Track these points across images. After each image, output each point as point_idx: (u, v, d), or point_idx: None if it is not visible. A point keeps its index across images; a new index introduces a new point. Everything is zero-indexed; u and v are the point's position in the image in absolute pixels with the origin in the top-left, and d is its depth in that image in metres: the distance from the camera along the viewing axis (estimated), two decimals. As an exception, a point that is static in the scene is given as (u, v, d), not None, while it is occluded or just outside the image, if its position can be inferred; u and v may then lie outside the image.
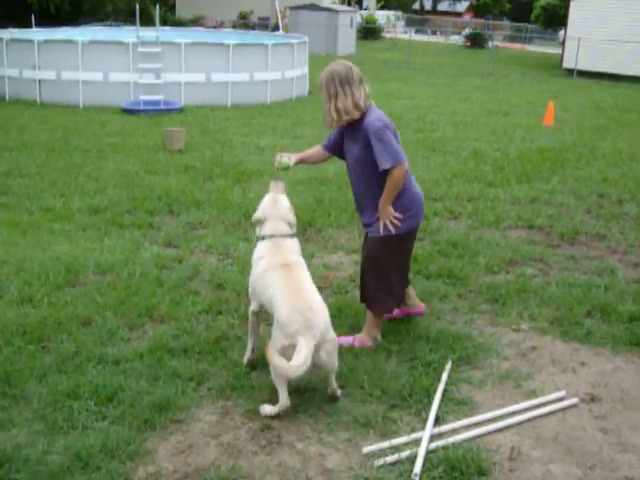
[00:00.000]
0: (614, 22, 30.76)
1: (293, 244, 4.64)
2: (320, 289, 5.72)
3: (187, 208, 7.80)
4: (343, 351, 4.70)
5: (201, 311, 5.29)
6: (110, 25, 31.88)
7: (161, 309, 5.25)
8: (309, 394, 4.25)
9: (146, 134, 12.15)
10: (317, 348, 3.95)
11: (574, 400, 4.35)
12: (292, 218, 4.72)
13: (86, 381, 4.22)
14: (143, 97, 15.00)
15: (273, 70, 17.01)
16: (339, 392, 4.25)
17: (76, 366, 4.42)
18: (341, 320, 5.20)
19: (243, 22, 48.43)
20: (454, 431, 3.96)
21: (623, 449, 3.92)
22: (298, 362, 3.80)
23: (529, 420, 4.13)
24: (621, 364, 4.88)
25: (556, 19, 44.30)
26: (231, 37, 20.14)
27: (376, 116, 4.90)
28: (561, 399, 4.36)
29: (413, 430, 3.94)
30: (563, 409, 4.27)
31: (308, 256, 6.48)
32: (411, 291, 5.31)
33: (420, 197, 4.98)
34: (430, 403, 4.17)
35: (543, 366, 4.80)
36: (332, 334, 4.14)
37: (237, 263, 6.23)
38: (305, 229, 7.27)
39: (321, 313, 4.13)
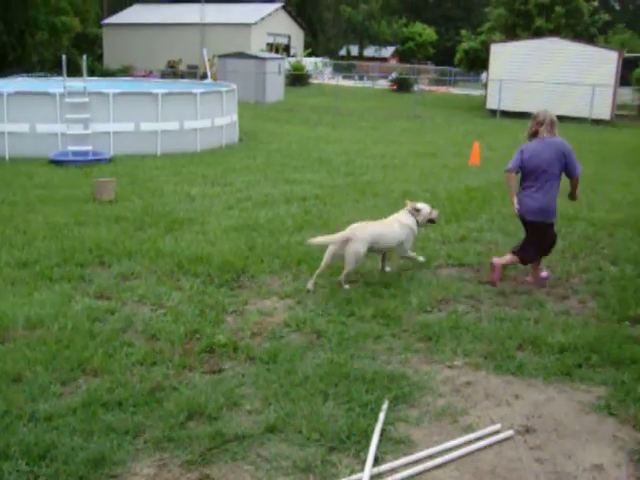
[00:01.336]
0: (530, 65, 32.05)
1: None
2: (254, 335, 5.78)
3: (118, 259, 7.70)
4: (279, 396, 4.71)
5: (135, 362, 5.20)
6: (37, 76, 31.59)
7: (94, 362, 5.15)
8: (247, 441, 4.22)
9: (75, 185, 11.99)
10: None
11: (510, 432, 4.43)
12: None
13: (17, 440, 4.09)
14: (71, 148, 14.82)
15: (202, 118, 17.05)
16: (345, 286, 6.51)
17: (6, 425, 4.28)
18: (276, 366, 5.19)
19: (172, 71, 48.58)
20: (393, 470, 3.98)
21: (558, 477, 4.01)
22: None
23: (467, 455, 4.18)
24: (553, 394, 4.99)
25: (478, 62, 45.67)
26: (160, 86, 20.16)
27: None
28: (497, 432, 4.42)
29: (352, 472, 3.95)
30: (499, 442, 4.33)
31: (241, 303, 6.50)
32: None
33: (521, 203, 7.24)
34: (368, 444, 4.18)
35: (478, 401, 4.87)
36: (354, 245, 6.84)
37: (170, 313, 6.16)
38: (238, 276, 7.26)
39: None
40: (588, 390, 5.06)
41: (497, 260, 7.36)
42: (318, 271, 6.99)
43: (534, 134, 7.15)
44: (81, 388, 4.83)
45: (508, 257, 7.40)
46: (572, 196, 7.48)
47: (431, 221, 7.81)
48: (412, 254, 7.59)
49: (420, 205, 7.67)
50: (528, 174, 7.14)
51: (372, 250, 7.19)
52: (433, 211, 7.76)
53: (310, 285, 6.91)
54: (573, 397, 4.96)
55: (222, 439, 4.22)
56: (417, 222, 7.50)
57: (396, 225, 7.36)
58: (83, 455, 3.98)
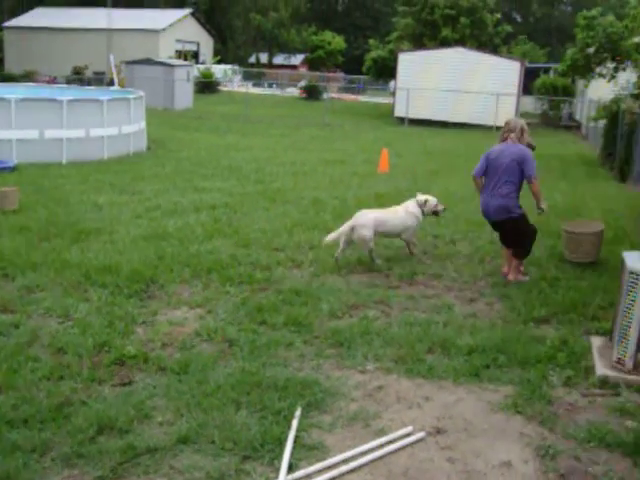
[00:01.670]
0: (437, 73, 32.82)
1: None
2: (164, 346, 5.70)
3: (22, 271, 7.46)
4: (191, 407, 4.65)
5: (41, 377, 5.04)
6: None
7: (-3, 378, 4.98)
8: (159, 454, 4.15)
9: (-25, 196, 11.57)
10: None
11: (421, 434, 4.50)
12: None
13: None
14: (-29, 157, 14.31)
15: (109, 126, 16.72)
16: (377, 261, 7.96)
17: None
18: (188, 376, 5.13)
19: (78, 77, 47.46)
20: (308, 477, 3.99)
21: (469, 476, 4.09)
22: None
23: (380, 458, 4.22)
24: (463, 395, 5.10)
25: (386, 71, 46.35)
26: (65, 92, 19.68)
27: None
28: (409, 434, 4.49)
29: (267, 480, 3.94)
30: (411, 444, 4.40)
31: (151, 313, 6.40)
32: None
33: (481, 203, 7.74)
34: (282, 451, 4.18)
35: (390, 404, 4.93)
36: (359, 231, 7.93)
37: (78, 325, 6.00)
38: (148, 286, 7.14)
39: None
40: (496, 390, 5.20)
41: (511, 276, 7.81)
42: (339, 251, 8.13)
43: (504, 139, 7.71)
44: (-17, 406, 4.65)
45: (514, 264, 7.77)
46: (538, 205, 7.83)
47: (435, 213, 8.77)
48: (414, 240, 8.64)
49: (429, 197, 8.67)
50: (491, 175, 7.63)
51: (383, 234, 8.41)
52: (439, 204, 8.71)
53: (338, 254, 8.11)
54: (482, 397, 5.08)
55: (133, 452, 4.14)
56: (422, 212, 8.52)
57: (402, 212, 8.44)
58: (-13, 475, 3.84)
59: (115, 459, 4.07)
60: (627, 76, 23.12)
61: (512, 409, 4.90)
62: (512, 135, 7.58)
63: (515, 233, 7.76)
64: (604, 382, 5.34)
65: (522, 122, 7.73)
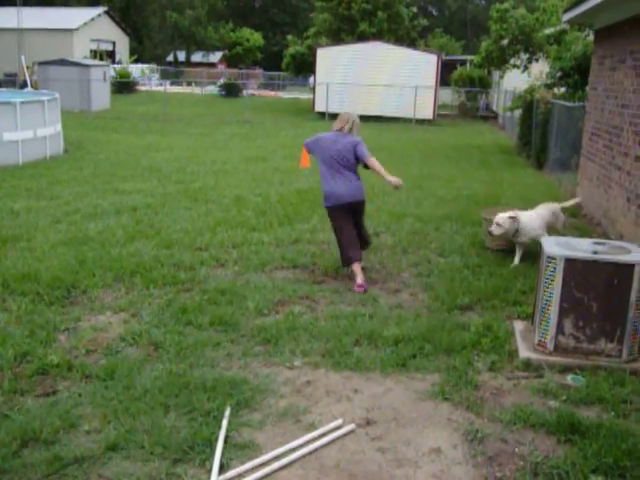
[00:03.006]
0: (355, 68, 33.07)
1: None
2: (89, 352, 5.59)
3: (-64, 282, 7.20)
4: (119, 413, 4.58)
5: (-40, 391, 4.89)
6: None
7: None
8: (87, 463, 4.07)
9: None
10: None
11: (351, 426, 4.53)
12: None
13: None
14: None
15: (23, 129, 16.27)
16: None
17: None
18: (114, 382, 5.05)
19: (-12, 80, 46.02)
20: (240, 476, 3.97)
21: (400, 464, 4.14)
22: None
23: (311, 452, 4.24)
24: (391, 385, 5.16)
25: (305, 66, 46.44)
26: (-26, 97, 19.06)
27: None
28: (339, 427, 4.51)
29: (198, 482, 3.91)
30: (342, 437, 4.43)
31: (74, 320, 6.26)
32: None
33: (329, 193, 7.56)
34: (213, 452, 4.15)
35: (319, 398, 4.95)
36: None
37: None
38: (69, 292, 6.98)
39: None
40: (423, 378, 5.28)
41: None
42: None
43: (339, 130, 7.71)
44: None
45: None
46: (387, 180, 7.57)
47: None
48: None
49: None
50: (329, 162, 7.60)
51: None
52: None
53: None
54: (409, 386, 5.15)
55: (60, 463, 4.04)
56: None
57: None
58: None
59: (41, 472, 3.96)
60: (540, 67, 23.78)
61: (440, 396, 4.98)
62: (346, 127, 7.68)
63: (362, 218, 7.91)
64: (527, 365, 5.49)
65: (355, 117, 7.82)
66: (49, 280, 7.15)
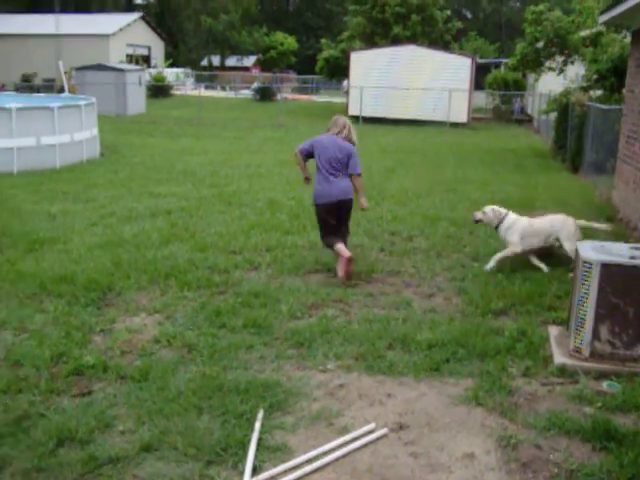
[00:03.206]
0: (389, 71, 33.00)
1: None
2: (123, 354, 5.65)
3: (-25, 283, 7.33)
4: (153, 414, 4.62)
5: (-2, 391, 4.97)
6: None
7: (-48, 394, 4.88)
8: (122, 463, 4.11)
9: None
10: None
11: (384, 431, 4.52)
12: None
13: None
14: None
15: (61, 133, 16.49)
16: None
17: None
18: (148, 383, 5.10)
19: (27, 85, 46.72)
20: (272, 478, 3.99)
21: (433, 469, 4.13)
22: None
23: (343, 456, 4.23)
24: (424, 390, 5.14)
25: (339, 70, 46.46)
26: (14, 100, 19.35)
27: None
28: (371, 431, 4.51)
29: (231, 484, 3.93)
30: (374, 441, 4.42)
31: (109, 322, 6.33)
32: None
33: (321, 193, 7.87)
34: (246, 454, 4.16)
35: (352, 402, 4.94)
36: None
37: (34, 337, 5.91)
38: (105, 294, 7.06)
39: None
40: (456, 383, 5.25)
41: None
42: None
43: (337, 133, 8.05)
44: (-61, 423, 4.56)
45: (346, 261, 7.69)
46: (360, 198, 8.04)
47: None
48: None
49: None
50: (324, 163, 7.89)
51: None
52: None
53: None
54: (442, 391, 5.12)
55: (95, 463, 4.09)
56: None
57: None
58: (-57, 494, 3.76)
59: (77, 471, 4.01)
60: (576, 69, 23.54)
61: (473, 401, 4.95)
62: (344, 132, 8.00)
63: (349, 215, 8.08)
64: (562, 371, 5.43)
65: (349, 122, 8.18)
66: (85, 282, 7.24)
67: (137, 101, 35.67)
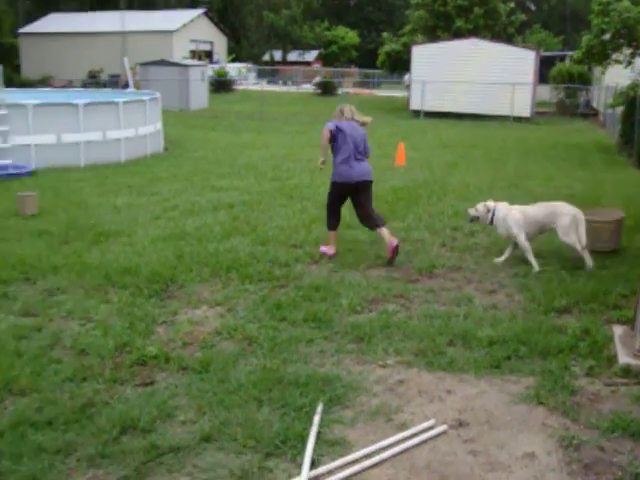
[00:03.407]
0: (451, 65, 32.64)
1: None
2: (185, 345, 5.73)
3: (44, 274, 7.52)
4: (213, 405, 4.68)
5: (64, 379, 5.08)
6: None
7: (21, 381, 5.01)
8: (183, 452, 4.18)
9: (-5, 201, 11.68)
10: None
11: (443, 427, 4.49)
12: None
13: (-59, 467, 3.97)
14: (-10, 163, 14.43)
15: (126, 128, 16.80)
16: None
17: None
18: (209, 375, 5.16)
19: (94, 80, 47.72)
20: (330, 472, 4.00)
21: (492, 468, 4.09)
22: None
23: (402, 452, 4.22)
24: (485, 387, 5.09)
25: (400, 64, 46.15)
26: (81, 96, 19.79)
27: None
28: (431, 428, 4.49)
29: (290, 476, 3.95)
30: (433, 437, 4.40)
31: (171, 313, 6.43)
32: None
33: (345, 173, 8.25)
34: (304, 447, 4.18)
35: (411, 398, 4.93)
36: None
37: (99, 327, 6.05)
38: (167, 286, 7.18)
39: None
40: (517, 381, 5.18)
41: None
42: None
43: (349, 119, 8.49)
44: (8, 409, 4.69)
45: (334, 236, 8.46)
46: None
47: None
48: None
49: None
50: (347, 145, 8.22)
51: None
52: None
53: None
54: (503, 389, 5.07)
55: (157, 452, 4.17)
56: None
57: None
58: (13, 479, 3.87)
59: (139, 459, 4.09)
60: (645, 61, 22.89)
61: (534, 400, 4.88)
62: (355, 117, 8.50)
63: (369, 197, 8.44)
64: (627, 371, 5.31)
65: (354, 107, 8.74)
66: (148, 274, 7.37)
67: (200, 96, 36.08)
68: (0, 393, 4.89)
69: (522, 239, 7.98)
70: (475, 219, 8.41)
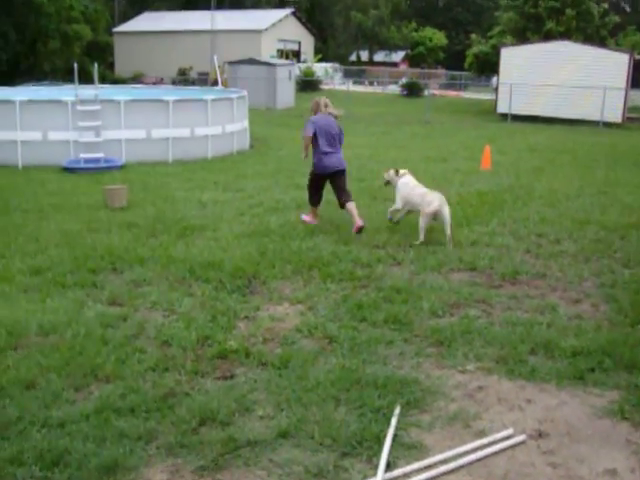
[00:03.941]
0: (541, 68, 31.98)
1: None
2: (266, 341, 5.79)
3: (131, 265, 7.74)
4: (291, 402, 4.72)
5: (147, 369, 5.22)
6: (49, 84, 31.78)
7: (107, 368, 5.18)
8: (259, 447, 4.23)
9: (87, 192, 12.06)
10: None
11: (522, 437, 4.41)
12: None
13: (30, 446, 4.12)
14: (83, 155, 14.92)
15: (213, 125, 17.10)
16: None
17: (19, 431, 4.31)
18: (288, 371, 5.21)
19: (183, 78, 48.75)
20: (406, 476, 3.98)
21: (571, 482, 3.99)
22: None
23: (479, 460, 4.17)
24: (566, 399, 4.97)
25: (488, 66, 45.49)
26: (171, 93, 20.23)
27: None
28: (509, 437, 4.41)
29: (365, 477, 3.95)
30: (512, 446, 4.32)
31: (253, 309, 6.52)
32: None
33: (322, 163, 9.51)
34: (381, 449, 4.18)
35: (490, 405, 4.86)
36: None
37: (182, 319, 6.18)
38: (250, 281, 7.28)
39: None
40: (601, 394, 5.04)
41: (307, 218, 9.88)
42: None
43: (327, 113, 9.75)
44: (94, 394, 4.85)
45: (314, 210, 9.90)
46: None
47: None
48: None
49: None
50: (326, 137, 9.47)
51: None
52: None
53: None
54: (586, 401, 4.94)
55: (234, 444, 4.23)
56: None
57: None
58: (96, 461, 4.00)
59: (216, 450, 4.16)
60: None
61: (618, 415, 4.73)
62: (329, 109, 9.70)
63: (344, 181, 9.73)
64: None
65: (328, 99, 10.01)
66: (232, 269, 7.49)
67: (286, 95, 36.42)
68: (86, 378, 5.06)
69: (398, 205, 9.42)
70: (387, 183, 9.91)
